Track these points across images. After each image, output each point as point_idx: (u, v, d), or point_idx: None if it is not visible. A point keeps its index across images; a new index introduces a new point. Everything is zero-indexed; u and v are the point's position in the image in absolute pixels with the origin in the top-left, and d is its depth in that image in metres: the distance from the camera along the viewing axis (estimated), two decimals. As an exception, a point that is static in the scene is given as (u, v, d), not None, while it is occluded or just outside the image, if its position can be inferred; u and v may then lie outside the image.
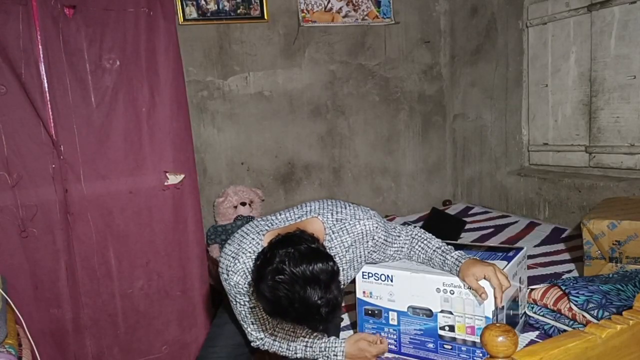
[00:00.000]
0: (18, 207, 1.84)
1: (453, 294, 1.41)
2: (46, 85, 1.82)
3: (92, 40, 1.87)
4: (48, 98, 1.82)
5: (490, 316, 1.35)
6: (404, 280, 1.48)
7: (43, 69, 1.81)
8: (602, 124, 2.65)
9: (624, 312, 1.06)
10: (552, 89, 2.90)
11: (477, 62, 3.27)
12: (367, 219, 1.50)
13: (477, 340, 1.37)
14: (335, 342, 1.49)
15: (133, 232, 2.01)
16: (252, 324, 1.51)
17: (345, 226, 1.48)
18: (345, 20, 3.13)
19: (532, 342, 1.53)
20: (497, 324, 0.92)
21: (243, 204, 2.80)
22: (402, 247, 1.56)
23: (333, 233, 1.47)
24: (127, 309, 2.04)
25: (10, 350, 1.37)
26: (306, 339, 1.51)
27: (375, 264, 1.57)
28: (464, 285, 1.38)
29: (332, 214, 1.50)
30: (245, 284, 1.42)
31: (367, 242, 1.50)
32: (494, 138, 3.24)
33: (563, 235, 2.56)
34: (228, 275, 1.43)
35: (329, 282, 1.21)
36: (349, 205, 1.53)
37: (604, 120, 2.64)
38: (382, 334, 1.54)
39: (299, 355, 1.51)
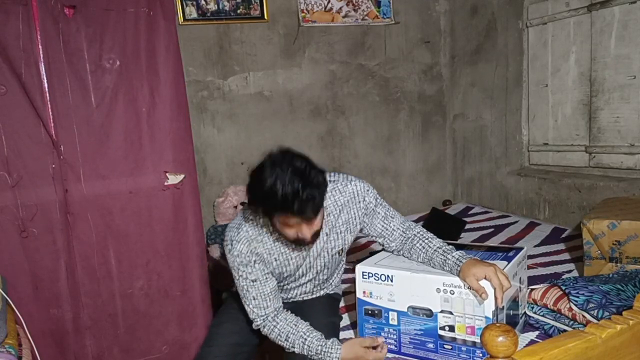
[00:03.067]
0: (18, 207, 1.83)
1: (453, 294, 1.41)
2: (46, 85, 1.82)
3: (92, 40, 1.87)
4: (48, 98, 1.82)
5: (490, 316, 1.35)
6: (404, 280, 1.48)
7: (43, 69, 1.80)
8: (602, 124, 2.65)
9: (624, 312, 1.06)
10: (552, 89, 2.90)
11: (477, 62, 3.27)
12: (358, 181, 1.63)
13: (477, 340, 1.37)
14: (332, 346, 1.50)
15: (133, 232, 2.01)
16: (254, 299, 1.55)
17: (337, 186, 1.59)
18: (345, 20, 3.13)
19: (532, 342, 1.53)
20: (497, 324, 0.92)
21: (243, 204, 2.80)
22: (393, 231, 1.62)
23: (328, 192, 1.51)
24: (127, 309, 2.04)
25: (10, 350, 1.37)
26: (305, 336, 1.52)
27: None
28: (465, 285, 1.38)
29: (328, 179, 1.58)
30: (248, 252, 1.51)
31: (359, 202, 1.60)
32: (494, 138, 3.25)
33: (563, 235, 2.56)
34: (232, 246, 1.52)
35: (314, 181, 1.34)
36: (342, 173, 1.66)
37: (604, 120, 2.64)
38: (382, 333, 1.54)
39: (296, 351, 1.53)
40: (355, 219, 1.61)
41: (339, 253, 1.66)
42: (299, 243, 1.48)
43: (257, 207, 1.43)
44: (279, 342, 1.55)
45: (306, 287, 1.72)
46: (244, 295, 1.56)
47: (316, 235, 1.47)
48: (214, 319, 1.73)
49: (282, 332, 1.54)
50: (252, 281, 1.53)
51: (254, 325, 1.59)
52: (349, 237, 1.64)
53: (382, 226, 1.62)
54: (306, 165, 1.36)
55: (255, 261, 1.53)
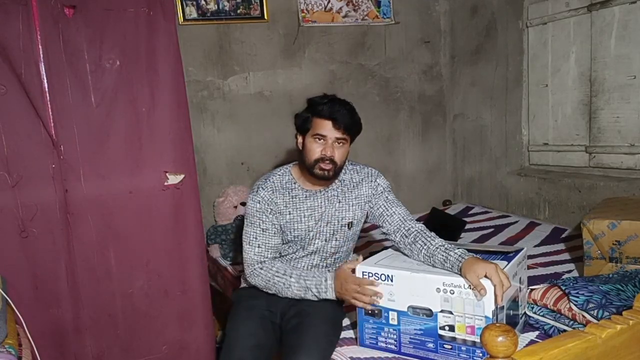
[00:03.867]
0: (18, 207, 1.83)
1: (453, 293, 1.41)
2: (46, 85, 1.82)
3: (92, 40, 1.87)
4: (48, 98, 1.82)
5: (490, 316, 1.35)
6: (404, 280, 1.48)
7: (43, 69, 1.80)
8: (602, 124, 2.65)
9: (624, 312, 1.07)
10: (552, 89, 2.90)
11: (477, 62, 3.27)
12: (375, 169, 1.87)
13: (477, 340, 1.37)
14: (327, 278, 1.64)
15: (133, 232, 2.00)
16: (258, 247, 1.72)
17: (356, 167, 1.85)
18: (345, 20, 3.13)
19: (532, 342, 1.53)
20: (497, 324, 0.92)
21: (243, 204, 2.80)
22: (392, 215, 1.73)
23: (347, 169, 1.83)
24: (127, 309, 2.03)
25: (10, 350, 1.36)
26: (301, 272, 1.68)
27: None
28: (465, 284, 1.39)
29: (349, 162, 1.86)
30: (269, 200, 1.72)
31: (371, 182, 1.81)
32: (494, 138, 3.25)
33: (563, 235, 2.56)
34: (257, 192, 1.74)
35: (354, 111, 1.72)
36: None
37: (604, 120, 2.64)
38: (382, 333, 1.54)
39: (293, 288, 1.66)
40: (366, 196, 1.80)
41: (348, 226, 1.79)
42: (322, 161, 1.66)
43: (299, 119, 1.74)
44: (275, 281, 1.68)
45: (313, 259, 1.80)
46: (250, 242, 1.73)
47: (335, 168, 1.68)
48: (227, 323, 1.74)
49: (280, 270, 1.69)
50: (263, 230, 1.72)
51: (248, 271, 1.75)
52: (359, 212, 1.80)
53: (384, 207, 1.75)
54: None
55: (272, 210, 1.72)
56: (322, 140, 1.67)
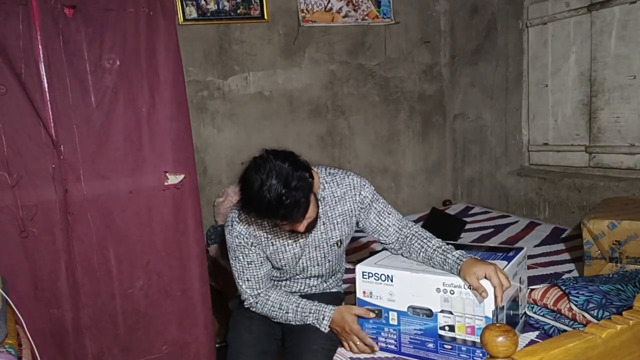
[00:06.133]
0: (18, 207, 1.83)
1: (453, 293, 1.41)
2: (46, 85, 1.81)
3: (92, 40, 1.87)
4: (48, 98, 1.82)
5: (490, 316, 1.35)
6: (404, 280, 1.48)
7: (43, 69, 1.80)
8: (602, 124, 2.65)
9: (624, 312, 1.07)
10: (552, 89, 2.90)
11: (477, 62, 3.27)
12: (356, 176, 1.68)
13: (477, 340, 1.37)
14: (326, 307, 1.58)
15: (133, 232, 2.00)
16: (248, 280, 1.63)
17: (336, 179, 1.65)
18: (345, 20, 3.13)
19: (532, 342, 1.53)
20: (497, 324, 0.92)
21: (243, 204, 2.80)
22: (388, 227, 1.63)
23: (326, 183, 1.64)
24: (127, 309, 2.03)
25: (10, 350, 1.36)
26: (298, 301, 1.61)
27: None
28: (465, 284, 1.38)
29: (325, 169, 1.68)
30: (247, 234, 1.58)
31: (355, 195, 1.64)
32: (494, 138, 3.25)
33: (563, 235, 2.56)
34: (232, 226, 1.59)
35: (297, 184, 1.37)
36: (342, 169, 1.72)
37: (604, 120, 2.64)
38: (382, 333, 1.54)
39: (289, 315, 1.60)
40: (351, 211, 1.66)
41: (337, 244, 1.69)
42: (295, 232, 1.53)
43: (249, 212, 1.46)
44: (272, 313, 1.63)
45: (311, 281, 1.76)
46: (239, 276, 1.64)
47: (312, 224, 1.51)
48: (229, 333, 1.71)
49: (276, 302, 1.62)
50: (248, 263, 1.61)
51: (245, 304, 1.67)
52: (346, 228, 1.68)
53: (377, 221, 1.65)
54: (289, 166, 1.39)
55: (252, 243, 1.59)
56: (286, 226, 1.49)
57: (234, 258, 1.63)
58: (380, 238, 1.66)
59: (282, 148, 1.51)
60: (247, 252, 1.60)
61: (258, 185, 1.36)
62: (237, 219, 1.59)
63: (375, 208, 1.65)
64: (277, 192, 1.34)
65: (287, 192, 1.34)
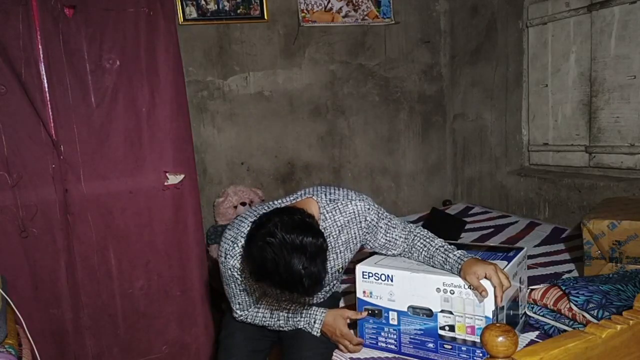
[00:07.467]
0: (18, 207, 1.83)
1: (453, 293, 1.41)
2: (46, 85, 1.82)
3: (92, 40, 1.87)
4: (48, 98, 1.82)
5: (490, 316, 1.35)
6: (404, 280, 1.48)
7: (43, 69, 1.81)
8: (602, 124, 2.65)
9: (624, 312, 1.06)
10: (552, 89, 2.90)
11: (477, 62, 3.27)
12: (359, 200, 1.55)
13: (477, 340, 1.37)
14: (317, 310, 1.56)
15: (133, 232, 2.01)
16: (239, 304, 1.60)
17: (338, 206, 1.53)
18: (345, 20, 3.13)
19: (532, 342, 1.53)
20: (497, 324, 0.92)
21: (243, 204, 2.80)
22: (396, 240, 1.59)
23: (327, 213, 1.52)
24: (127, 309, 2.04)
25: (10, 350, 1.36)
26: (289, 307, 1.58)
27: (373, 252, 1.58)
28: (465, 284, 1.38)
29: (325, 195, 1.54)
30: (240, 269, 1.48)
31: (360, 222, 1.55)
32: (494, 138, 3.25)
33: (563, 235, 2.56)
34: (225, 259, 1.48)
35: (315, 255, 1.25)
36: (342, 188, 1.59)
37: (604, 120, 2.64)
38: (382, 333, 1.54)
39: (281, 322, 1.58)
40: (355, 238, 1.57)
41: (338, 271, 1.64)
42: None
43: (258, 280, 1.38)
44: (263, 322, 1.61)
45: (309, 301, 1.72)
46: (230, 299, 1.60)
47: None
48: (222, 331, 1.70)
49: (266, 311, 1.60)
50: (240, 291, 1.56)
51: (234, 316, 1.64)
52: (349, 255, 1.61)
53: (386, 239, 1.59)
54: (301, 235, 1.25)
55: (246, 277, 1.50)
56: None
57: (226, 283, 1.56)
58: (389, 252, 1.61)
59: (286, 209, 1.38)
60: (239, 282, 1.52)
61: (273, 265, 1.24)
62: (230, 253, 1.46)
63: (382, 227, 1.57)
64: (298, 272, 1.23)
65: (308, 270, 1.24)
